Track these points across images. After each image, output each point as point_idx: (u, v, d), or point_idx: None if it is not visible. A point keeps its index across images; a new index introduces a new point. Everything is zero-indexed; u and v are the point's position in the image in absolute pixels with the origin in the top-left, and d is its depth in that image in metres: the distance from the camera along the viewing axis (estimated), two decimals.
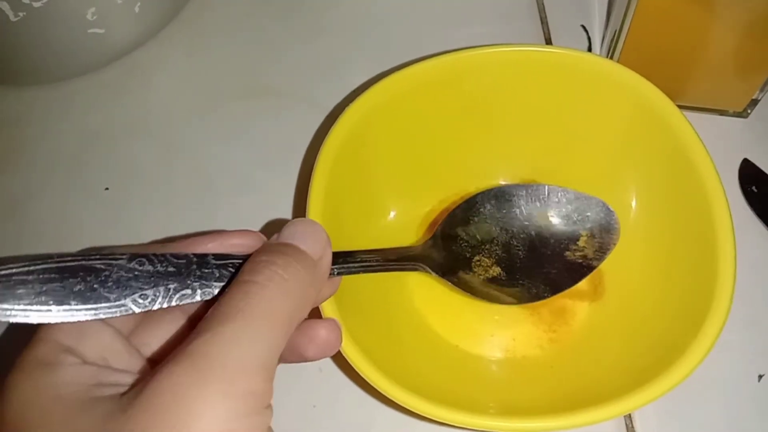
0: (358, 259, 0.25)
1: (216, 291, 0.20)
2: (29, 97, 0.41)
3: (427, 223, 0.34)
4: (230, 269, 0.21)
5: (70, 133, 0.39)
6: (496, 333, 0.32)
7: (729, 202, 0.27)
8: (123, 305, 0.19)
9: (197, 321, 0.19)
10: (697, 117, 0.36)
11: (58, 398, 0.18)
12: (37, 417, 0.18)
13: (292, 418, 0.30)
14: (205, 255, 0.21)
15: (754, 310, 0.32)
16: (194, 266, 0.20)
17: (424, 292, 0.33)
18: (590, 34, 0.40)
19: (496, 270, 0.30)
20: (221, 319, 0.18)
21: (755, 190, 0.34)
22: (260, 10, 0.43)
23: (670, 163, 0.30)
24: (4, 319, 0.18)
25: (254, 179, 0.37)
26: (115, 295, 0.19)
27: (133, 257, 0.20)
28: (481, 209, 0.31)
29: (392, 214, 0.34)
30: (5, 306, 0.18)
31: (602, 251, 0.30)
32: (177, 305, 0.20)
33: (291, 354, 0.22)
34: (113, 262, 0.19)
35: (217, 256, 0.21)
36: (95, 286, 0.19)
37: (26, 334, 0.20)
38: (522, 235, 0.31)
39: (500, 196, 0.31)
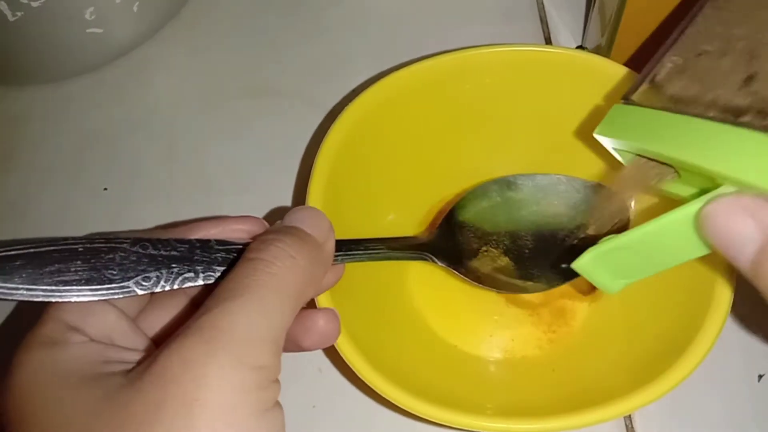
0: (362, 247, 0.25)
1: (218, 275, 0.21)
2: (28, 96, 0.41)
3: (426, 223, 0.34)
4: (233, 254, 0.21)
5: (69, 133, 0.40)
6: (495, 333, 0.32)
7: None
8: (126, 287, 0.20)
9: None
10: None
11: (65, 374, 0.18)
12: (45, 392, 0.18)
13: (292, 419, 0.30)
14: (208, 240, 0.22)
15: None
16: (197, 250, 0.21)
17: (424, 292, 0.33)
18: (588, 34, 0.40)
19: (504, 259, 0.30)
20: (229, 294, 0.18)
21: None
22: (260, 10, 0.43)
23: None
24: (11, 299, 0.18)
25: (253, 178, 0.37)
26: (118, 277, 0.20)
27: (136, 241, 0.20)
28: (489, 199, 0.31)
29: (391, 213, 0.33)
30: (11, 285, 0.18)
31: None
32: (179, 288, 0.20)
33: (288, 343, 0.22)
34: (117, 245, 0.20)
35: (220, 242, 0.22)
36: (99, 267, 0.19)
37: (33, 314, 0.20)
38: (530, 225, 0.30)
39: (507, 185, 0.31)
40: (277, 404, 0.19)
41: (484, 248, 0.30)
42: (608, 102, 0.31)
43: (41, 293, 0.19)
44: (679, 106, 0.22)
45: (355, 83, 0.38)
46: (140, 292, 0.20)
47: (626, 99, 0.24)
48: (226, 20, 0.43)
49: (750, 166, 0.18)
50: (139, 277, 0.20)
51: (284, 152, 0.38)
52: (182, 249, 0.21)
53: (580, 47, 0.40)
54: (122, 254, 0.20)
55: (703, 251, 0.20)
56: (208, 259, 0.21)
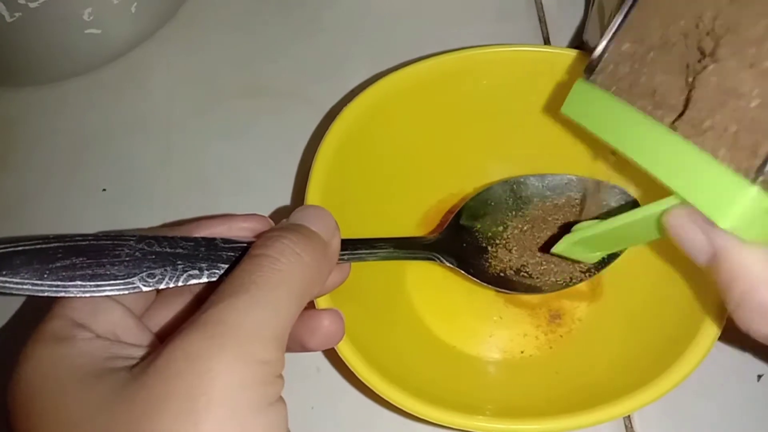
0: (369, 246, 0.25)
1: (223, 272, 0.21)
2: (26, 97, 0.41)
3: (426, 223, 0.34)
4: (238, 252, 0.22)
5: (67, 134, 0.39)
6: (494, 334, 0.32)
7: None
8: (131, 283, 0.20)
9: None
10: None
11: (72, 369, 0.18)
12: (51, 387, 0.18)
13: (290, 420, 0.30)
14: (213, 238, 0.22)
15: None
16: (202, 248, 0.21)
17: (422, 293, 0.33)
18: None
19: (512, 260, 0.30)
20: (234, 290, 0.19)
21: None
22: (257, 10, 0.43)
23: None
24: (18, 293, 0.19)
25: (252, 179, 0.37)
26: (123, 274, 0.20)
27: (141, 239, 0.21)
28: (496, 199, 0.31)
29: (389, 215, 0.33)
30: (18, 280, 0.19)
31: None
32: (184, 285, 0.21)
33: (292, 343, 0.23)
34: (123, 242, 0.20)
35: (225, 240, 0.22)
36: (105, 263, 0.20)
37: (38, 312, 0.20)
38: (538, 225, 0.31)
39: (516, 186, 0.31)
40: (281, 399, 0.19)
41: (493, 249, 0.30)
42: None
43: (47, 288, 0.19)
44: (633, 89, 0.23)
45: (354, 83, 0.38)
46: (145, 289, 0.20)
47: (588, 72, 0.25)
48: (224, 21, 0.43)
49: (690, 184, 0.20)
50: (144, 274, 0.20)
51: (283, 153, 0.38)
52: (187, 247, 0.21)
53: (579, 47, 0.40)
54: (128, 251, 0.20)
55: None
56: (213, 257, 0.21)
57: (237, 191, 0.37)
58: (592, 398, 0.25)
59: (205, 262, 0.21)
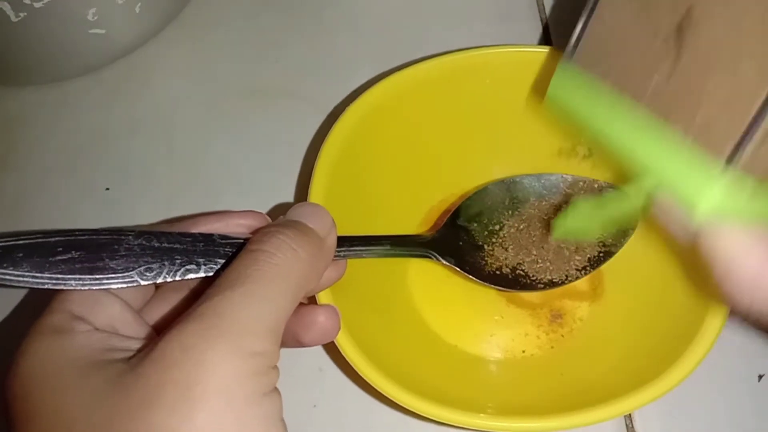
0: (365, 243, 0.26)
1: (220, 267, 0.22)
2: (30, 97, 0.41)
3: (426, 223, 0.34)
4: (235, 247, 0.22)
5: (71, 133, 0.40)
6: (495, 333, 0.32)
7: None
8: (130, 277, 0.20)
9: None
10: None
11: (70, 361, 0.19)
12: (50, 378, 0.19)
13: (292, 418, 0.30)
14: (211, 234, 0.22)
15: None
16: (200, 244, 0.22)
17: (424, 292, 0.33)
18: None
19: (508, 258, 0.30)
20: (231, 283, 0.19)
21: None
22: (261, 11, 0.43)
23: None
24: (19, 285, 0.19)
25: (254, 179, 0.38)
26: (122, 268, 0.20)
27: (140, 234, 0.21)
28: (494, 199, 0.31)
29: (392, 214, 0.34)
30: (18, 273, 0.19)
31: (621, 237, 0.30)
32: (182, 280, 0.21)
33: (288, 338, 0.23)
34: (121, 237, 0.21)
35: (223, 236, 0.22)
36: (104, 257, 0.20)
37: (38, 305, 0.21)
38: (536, 225, 0.31)
39: (513, 185, 0.31)
40: (275, 389, 0.19)
41: (489, 247, 0.30)
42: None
43: (47, 281, 0.19)
44: (613, 69, 0.23)
45: (356, 83, 0.39)
46: (143, 283, 0.20)
47: (569, 54, 0.25)
48: (228, 21, 0.43)
49: (667, 167, 0.21)
50: (142, 268, 0.20)
51: (285, 153, 0.38)
52: (185, 242, 0.21)
53: None
54: (126, 246, 0.21)
55: None
56: (210, 252, 0.22)
57: (239, 191, 0.37)
58: (593, 397, 0.26)
59: (202, 257, 0.21)
